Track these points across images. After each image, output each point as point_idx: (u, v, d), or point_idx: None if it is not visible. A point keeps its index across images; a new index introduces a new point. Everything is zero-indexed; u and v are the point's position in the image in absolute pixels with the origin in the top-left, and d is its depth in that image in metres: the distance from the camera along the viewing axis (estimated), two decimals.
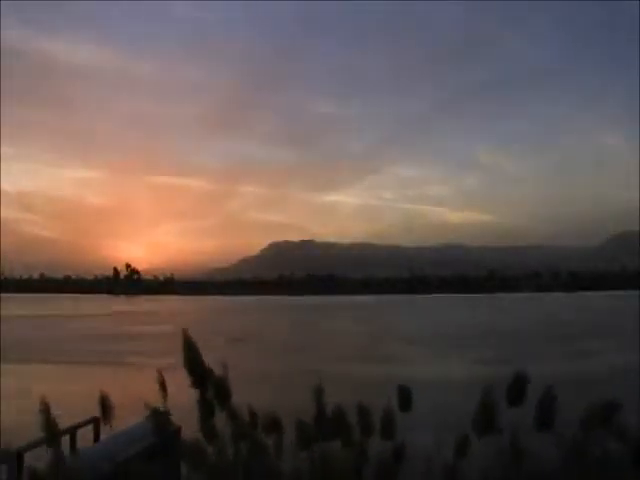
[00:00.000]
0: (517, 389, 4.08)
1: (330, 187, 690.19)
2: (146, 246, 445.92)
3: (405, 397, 4.50)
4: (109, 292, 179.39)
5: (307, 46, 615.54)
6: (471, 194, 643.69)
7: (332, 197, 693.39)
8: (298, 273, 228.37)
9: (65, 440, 9.61)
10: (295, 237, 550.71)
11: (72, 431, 10.02)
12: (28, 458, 7.92)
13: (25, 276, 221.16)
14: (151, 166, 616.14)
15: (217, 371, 4.19)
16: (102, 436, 10.55)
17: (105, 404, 4.30)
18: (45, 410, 3.99)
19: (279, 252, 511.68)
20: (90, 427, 10.86)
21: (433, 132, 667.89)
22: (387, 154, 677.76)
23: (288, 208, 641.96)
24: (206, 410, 4.08)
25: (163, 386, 4.31)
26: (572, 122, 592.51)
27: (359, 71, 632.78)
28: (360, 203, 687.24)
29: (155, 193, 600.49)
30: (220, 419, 4.12)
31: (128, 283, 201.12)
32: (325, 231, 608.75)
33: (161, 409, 4.16)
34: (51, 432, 3.98)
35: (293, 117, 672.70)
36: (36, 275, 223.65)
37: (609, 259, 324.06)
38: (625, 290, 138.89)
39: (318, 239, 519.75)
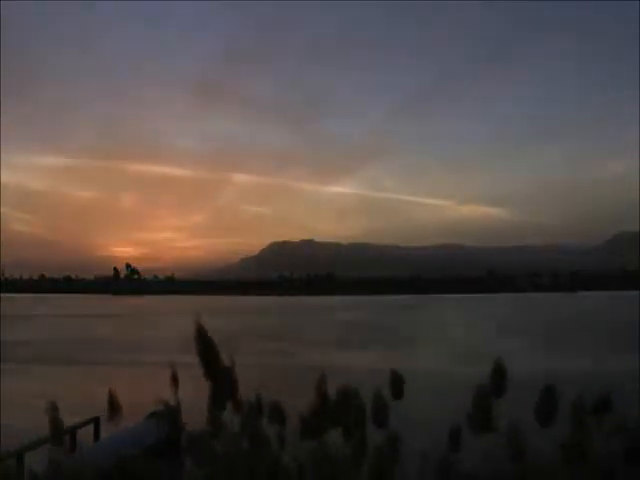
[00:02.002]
0: (498, 381, 4.03)
1: (329, 176, 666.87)
2: (141, 245, 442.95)
3: (397, 384, 4.31)
4: (107, 292, 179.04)
5: (304, 12, 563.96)
6: (473, 187, 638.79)
7: (332, 188, 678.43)
8: (298, 273, 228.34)
9: (65, 440, 9.62)
10: (295, 237, 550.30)
11: (72, 431, 10.01)
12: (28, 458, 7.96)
13: (25, 276, 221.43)
14: (131, 151, 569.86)
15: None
16: (102, 436, 10.57)
17: (113, 402, 4.28)
18: (53, 409, 3.97)
19: (279, 252, 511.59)
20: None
21: (436, 113, 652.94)
22: (390, 136, 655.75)
23: (285, 201, 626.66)
24: (216, 402, 4.06)
25: (175, 381, 4.27)
26: (576, 116, 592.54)
27: (358, 41, 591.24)
28: (361, 194, 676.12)
29: (140, 184, 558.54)
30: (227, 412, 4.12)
31: (129, 283, 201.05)
32: (325, 226, 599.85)
33: (171, 405, 4.16)
34: (57, 431, 3.95)
35: (287, 90, 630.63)
36: (36, 276, 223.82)
37: (609, 259, 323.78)
38: (625, 290, 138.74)
39: (318, 239, 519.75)
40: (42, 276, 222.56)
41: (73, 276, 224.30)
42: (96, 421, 10.70)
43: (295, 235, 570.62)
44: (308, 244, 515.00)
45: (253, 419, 4.07)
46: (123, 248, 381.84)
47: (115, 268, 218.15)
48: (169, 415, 4.18)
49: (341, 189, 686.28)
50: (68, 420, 4.71)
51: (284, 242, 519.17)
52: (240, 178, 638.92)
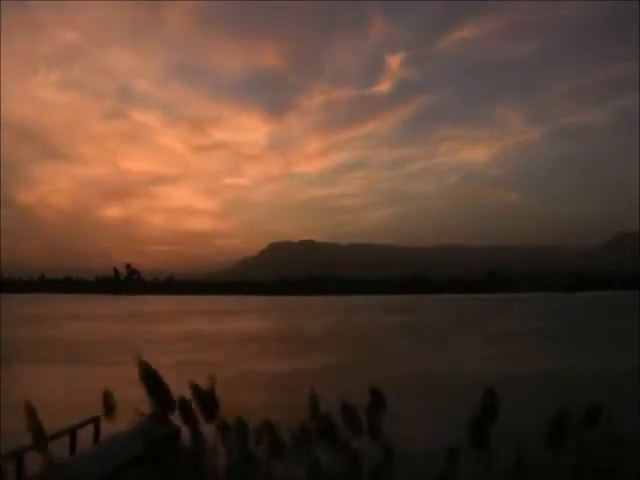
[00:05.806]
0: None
1: (323, 153, 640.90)
2: (136, 244, 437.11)
3: (378, 398, 4.40)
4: (108, 292, 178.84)
5: None
6: (476, 171, 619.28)
7: (327, 164, 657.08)
8: (298, 273, 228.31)
9: (65, 440, 9.60)
10: (295, 237, 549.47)
11: (72, 431, 9.99)
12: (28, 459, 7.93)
13: (25, 277, 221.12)
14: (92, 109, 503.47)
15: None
16: (102, 436, 10.55)
17: (108, 402, 4.25)
18: (30, 413, 3.82)
19: (279, 252, 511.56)
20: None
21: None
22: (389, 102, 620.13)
23: (284, 189, 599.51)
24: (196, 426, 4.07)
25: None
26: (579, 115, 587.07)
27: None
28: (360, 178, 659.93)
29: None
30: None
31: (128, 283, 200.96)
32: (324, 223, 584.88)
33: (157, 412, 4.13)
34: (38, 436, 3.80)
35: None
36: (36, 276, 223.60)
37: (609, 259, 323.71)
38: (625, 290, 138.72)
39: (318, 239, 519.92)
40: (42, 276, 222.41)
41: (74, 277, 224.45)
42: (96, 421, 10.65)
43: (295, 235, 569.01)
44: (308, 244, 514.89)
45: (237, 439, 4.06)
46: (115, 245, 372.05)
47: (115, 268, 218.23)
48: (161, 420, 4.16)
49: (334, 165, 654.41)
50: None
51: (284, 242, 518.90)
52: (219, 155, 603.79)
